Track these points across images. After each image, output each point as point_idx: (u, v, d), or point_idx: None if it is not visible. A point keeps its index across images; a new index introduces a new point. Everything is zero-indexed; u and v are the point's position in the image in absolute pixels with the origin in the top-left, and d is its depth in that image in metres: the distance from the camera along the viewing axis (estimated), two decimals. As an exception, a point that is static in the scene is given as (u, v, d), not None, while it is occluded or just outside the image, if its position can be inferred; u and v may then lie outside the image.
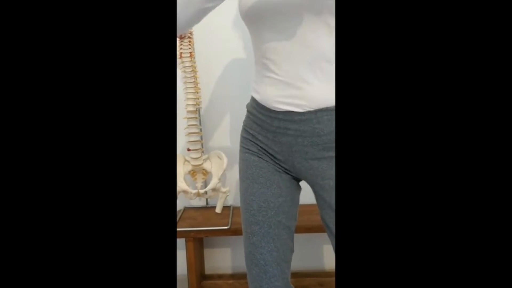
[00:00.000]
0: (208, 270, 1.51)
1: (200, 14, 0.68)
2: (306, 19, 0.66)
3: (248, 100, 0.82)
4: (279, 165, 0.77)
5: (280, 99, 0.70)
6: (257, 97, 0.76)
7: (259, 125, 0.76)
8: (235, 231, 1.26)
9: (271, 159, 0.76)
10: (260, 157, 0.77)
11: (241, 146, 0.81)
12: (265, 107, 0.74)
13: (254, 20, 0.71)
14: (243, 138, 0.80)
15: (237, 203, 1.45)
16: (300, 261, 1.46)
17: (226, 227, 1.26)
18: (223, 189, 1.32)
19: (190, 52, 1.20)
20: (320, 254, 1.49)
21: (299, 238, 1.38)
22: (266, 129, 0.75)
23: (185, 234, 1.26)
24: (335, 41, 0.67)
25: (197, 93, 1.23)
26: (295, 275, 1.42)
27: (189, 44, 1.20)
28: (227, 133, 1.41)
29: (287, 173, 0.77)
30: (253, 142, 0.78)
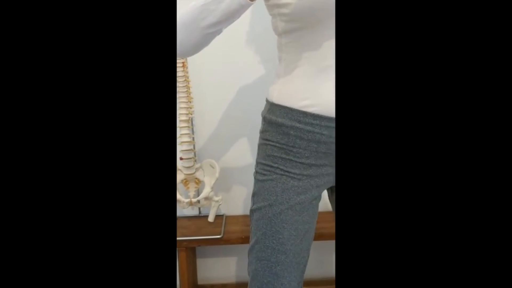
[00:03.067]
0: (200, 280, 1.49)
1: (205, 40, 0.67)
2: None
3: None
4: (319, 186, 0.72)
5: None
6: (310, 104, 0.67)
7: (307, 139, 0.69)
8: (227, 240, 1.26)
9: (313, 179, 0.71)
10: (300, 181, 0.70)
11: (274, 167, 0.71)
12: (325, 116, 0.67)
13: (318, 21, 0.64)
14: (278, 158, 0.71)
15: (230, 212, 1.45)
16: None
17: (219, 236, 1.26)
18: (216, 198, 1.32)
19: (183, 62, 1.21)
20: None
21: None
22: (319, 142, 0.68)
23: (177, 243, 1.25)
24: (335, 44, 0.65)
25: (190, 102, 1.23)
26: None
27: (182, 54, 1.21)
28: (219, 142, 1.41)
29: (319, 197, 0.74)
30: (296, 161, 0.70)
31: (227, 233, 1.28)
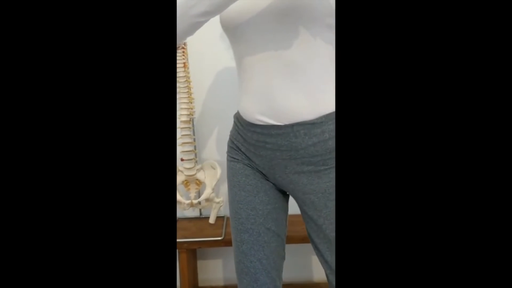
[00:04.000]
0: (201, 282, 1.49)
1: (192, 28, 0.68)
2: (277, 30, 0.66)
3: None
4: (263, 175, 0.77)
5: (257, 112, 0.70)
6: (239, 109, 0.77)
7: (242, 136, 0.77)
8: (228, 242, 1.24)
9: (256, 169, 0.77)
10: (245, 165, 0.77)
11: (228, 155, 0.81)
12: (245, 120, 0.74)
13: (230, 32, 0.72)
14: (229, 148, 0.81)
15: (231, 213, 1.44)
16: (291, 272, 1.45)
17: (219, 238, 1.25)
18: (217, 199, 1.31)
19: (184, 63, 1.20)
20: (309, 264, 1.48)
21: (291, 248, 1.37)
22: (247, 142, 0.75)
23: (178, 245, 1.24)
24: (335, 45, 0.68)
25: (191, 103, 1.23)
26: (287, 286, 1.40)
27: (183, 55, 1.20)
28: (220, 143, 1.41)
29: (270, 183, 0.78)
30: (238, 151, 0.79)
31: (228, 235, 1.27)
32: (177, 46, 1.18)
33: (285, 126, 0.68)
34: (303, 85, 0.67)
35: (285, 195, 0.80)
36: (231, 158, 0.80)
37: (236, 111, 0.82)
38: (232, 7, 0.68)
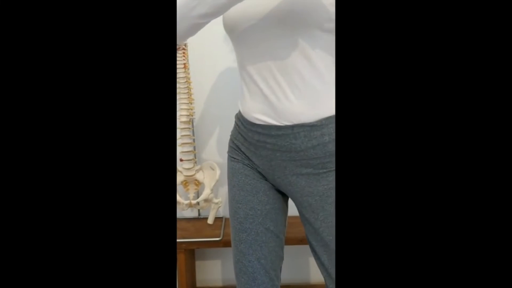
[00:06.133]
0: (199, 283, 1.49)
1: (193, 29, 0.69)
2: (278, 35, 0.67)
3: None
4: (263, 176, 0.78)
5: (259, 111, 0.71)
6: (240, 108, 0.77)
7: (242, 136, 0.77)
8: (227, 243, 1.25)
9: (255, 169, 0.78)
10: (245, 165, 0.78)
11: (228, 155, 0.82)
12: (246, 119, 0.75)
13: (233, 34, 0.73)
14: (230, 147, 0.82)
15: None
16: (289, 273, 1.45)
17: (218, 239, 1.25)
18: (216, 200, 1.31)
19: (184, 64, 1.21)
20: (307, 266, 1.48)
21: (289, 249, 1.37)
22: (248, 142, 0.76)
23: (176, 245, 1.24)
24: (335, 47, 0.69)
25: (191, 103, 1.23)
26: (284, 287, 1.40)
27: (183, 56, 1.20)
28: (220, 144, 1.41)
29: (269, 183, 0.78)
30: (238, 151, 0.79)
31: (226, 236, 1.27)
32: (178, 46, 1.19)
33: (285, 127, 0.69)
34: (303, 89, 0.68)
35: (284, 196, 0.80)
36: (231, 158, 0.81)
37: (236, 112, 0.83)
38: (235, 10, 0.69)
